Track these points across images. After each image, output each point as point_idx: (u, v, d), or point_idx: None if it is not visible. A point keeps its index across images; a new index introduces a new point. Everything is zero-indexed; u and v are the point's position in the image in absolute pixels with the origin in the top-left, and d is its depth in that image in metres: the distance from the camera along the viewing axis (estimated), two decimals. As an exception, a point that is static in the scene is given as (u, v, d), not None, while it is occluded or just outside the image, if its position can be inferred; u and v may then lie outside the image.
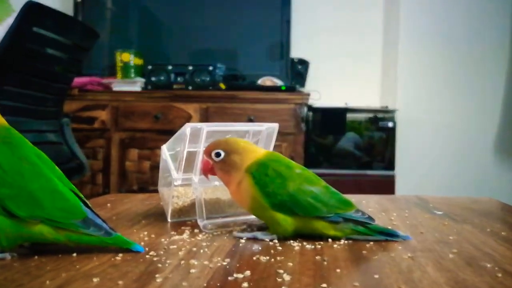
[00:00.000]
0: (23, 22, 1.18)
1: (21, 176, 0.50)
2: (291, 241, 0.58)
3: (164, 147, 0.69)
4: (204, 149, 0.63)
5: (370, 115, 2.27)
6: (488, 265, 0.48)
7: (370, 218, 0.60)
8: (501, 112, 2.42)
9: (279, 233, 0.59)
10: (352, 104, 2.31)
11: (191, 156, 0.66)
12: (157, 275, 0.44)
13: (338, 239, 0.59)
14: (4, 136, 0.54)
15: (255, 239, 0.59)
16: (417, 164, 2.41)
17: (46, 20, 1.28)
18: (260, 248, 0.56)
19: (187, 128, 0.64)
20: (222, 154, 0.61)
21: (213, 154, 0.61)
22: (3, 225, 0.49)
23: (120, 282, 0.42)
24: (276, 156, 0.63)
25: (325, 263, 0.49)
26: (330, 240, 0.59)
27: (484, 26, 2.40)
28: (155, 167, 2.05)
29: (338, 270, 0.47)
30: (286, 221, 0.58)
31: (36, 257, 0.51)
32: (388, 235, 0.59)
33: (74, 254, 0.52)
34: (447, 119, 2.41)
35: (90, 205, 0.54)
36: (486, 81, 2.41)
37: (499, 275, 0.45)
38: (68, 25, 1.43)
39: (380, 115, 2.27)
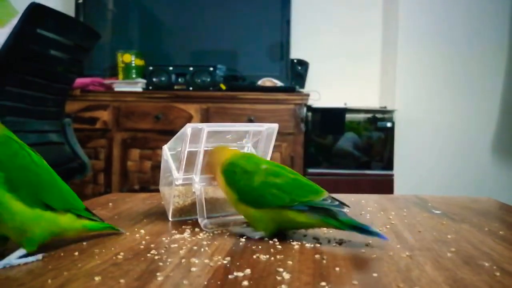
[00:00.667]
0: (26, 24, 1.19)
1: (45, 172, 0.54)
2: (291, 240, 0.59)
3: (165, 147, 0.69)
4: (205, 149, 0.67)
5: (369, 115, 2.28)
6: (486, 264, 0.49)
7: (339, 205, 0.57)
8: (500, 112, 2.42)
9: (261, 228, 0.60)
10: (351, 104, 2.32)
11: (192, 156, 0.67)
12: (158, 274, 0.45)
13: (312, 227, 0.61)
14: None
15: (244, 237, 0.61)
16: (416, 164, 2.42)
17: (49, 21, 1.28)
18: (260, 247, 0.56)
19: (188, 128, 0.64)
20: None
21: None
22: (40, 217, 0.51)
23: (122, 281, 0.43)
24: (248, 155, 0.69)
25: (324, 261, 0.50)
26: (330, 237, 0.60)
27: (483, 27, 2.41)
28: (156, 167, 2.06)
29: (337, 269, 0.47)
30: (261, 216, 0.60)
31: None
32: (359, 230, 0.55)
33: (76, 253, 0.52)
34: (446, 119, 2.42)
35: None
36: (485, 81, 2.41)
37: (497, 274, 0.46)
38: (70, 26, 1.43)
39: (379, 115, 2.28)
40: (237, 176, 0.62)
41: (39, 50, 1.33)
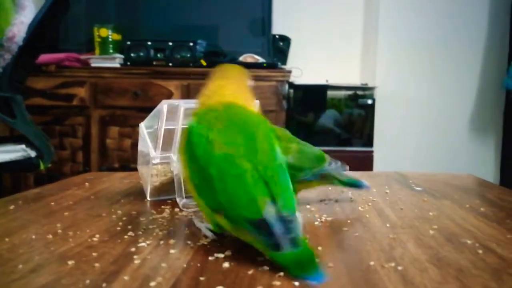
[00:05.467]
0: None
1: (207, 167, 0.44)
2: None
3: (142, 125, 0.67)
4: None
5: (350, 92, 2.28)
6: (469, 242, 0.49)
7: (342, 166, 0.66)
8: (477, 89, 2.45)
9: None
10: (333, 81, 2.32)
11: (171, 133, 0.64)
12: (135, 256, 0.43)
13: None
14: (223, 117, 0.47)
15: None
16: (395, 140, 2.45)
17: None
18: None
19: (164, 105, 0.62)
20: None
21: None
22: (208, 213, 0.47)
23: (97, 265, 0.41)
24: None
25: (307, 241, 0.49)
26: (311, 216, 0.59)
27: (463, 4, 2.41)
28: (136, 145, 2.01)
29: (319, 248, 0.46)
30: None
31: (7, 239, 0.49)
32: (355, 186, 0.68)
33: (49, 236, 0.50)
34: (425, 96, 2.44)
35: (294, 207, 0.43)
36: (463, 58, 2.43)
37: (480, 251, 0.45)
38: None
39: (359, 92, 2.29)
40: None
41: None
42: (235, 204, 0.42)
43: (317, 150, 0.64)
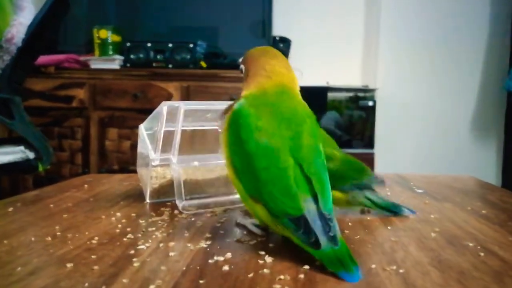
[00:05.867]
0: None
1: (249, 152, 0.45)
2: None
3: (141, 127, 0.67)
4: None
5: (351, 94, 2.28)
6: (470, 244, 0.48)
7: (381, 181, 0.62)
8: (478, 91, 2.45)
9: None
10: (334, 83, 2.31)
11: (170, 135, 0.64)
12: (134, 259, 0.43)
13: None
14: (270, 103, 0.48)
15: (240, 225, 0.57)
16: (396, 142, 2.44)
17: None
18: (240, 229, 0.54)
19: (164, 107, 0.62)
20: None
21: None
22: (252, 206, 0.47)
23: (96, 267, 0.41)
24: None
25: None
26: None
27: (464, 6, 2.41)
28: (135, 147, 2.01)
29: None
30: None
31: (5, 241, 0.49)
32: (393, 212, 0.61)
33: (48, 238, 0.50)
34: (426, 98, 2.44)
35: (331, 206, 0.44)
36: (465, 60, 2.43)
37: (481, 254, 0.45)
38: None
39: (360, 94, 2.29)
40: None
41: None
42: (276, 198, 0.43)
43: (360, 162, 0.63)
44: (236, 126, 0.47)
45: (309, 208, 0.42)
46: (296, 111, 0.49)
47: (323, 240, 0.41)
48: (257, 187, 0.44)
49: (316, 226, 0.41)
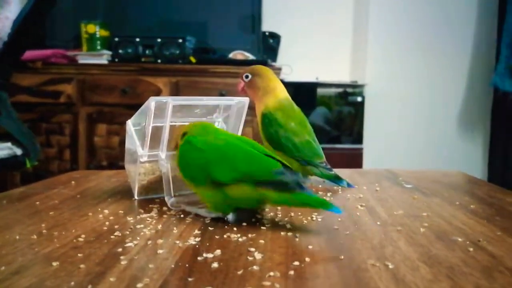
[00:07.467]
0: None
1: (218, 146, 0.56)
2: (262, 217, 0.57)
3: (129, 122, 0.66)
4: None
5: (340, 89, 2.29)
6: (459, 239, 0.48)
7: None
8: (466, 86, 2.48)
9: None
10: (323, 78, 2.31)
11: (159, 131, 0.63)
12: (122, 257, 0.42)
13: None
14: None
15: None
16: (384, 137, 2.46)
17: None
18: (231, 225, 0.54)
19: (152, 102, 0.61)
20: (250, 76, 0.76)
21: (243, 76, 0.76)
22: (213, 196, 0.55)
23: (82, 266, 0.40)
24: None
25: (297, 239, 0.48)
26: (301, 215, 0.58)
27: (452, 3, 2.43)
28: (124, 142, 1.99)
29: (310, 247, 0.46)
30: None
31: (-9, 240, 0.48)
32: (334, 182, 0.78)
33: (34, 236, 0.49)
34: (414, 94, 2.46)
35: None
36: (453, 56, 2.45)
37: (471, 249, 0.45)
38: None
39: (349, 89, 2.30)
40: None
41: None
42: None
43: (317, 148, 0.77)
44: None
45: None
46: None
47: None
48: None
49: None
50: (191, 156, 0.57)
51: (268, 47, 2.36)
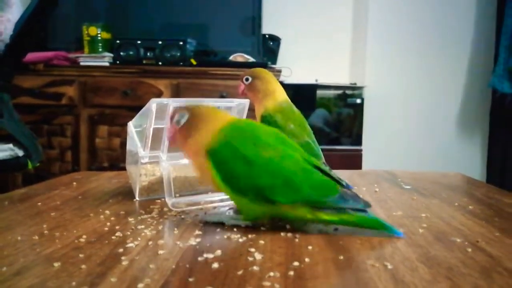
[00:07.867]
0: None
1: (273, 164, 0.51)
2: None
3: (130, 124, 0.66)
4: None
5: (339, 91, 2.29)
6: (458, 240, 0.49)
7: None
8: (464, 88, 2.48)
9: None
10: (322, 80, 2.32)
11: (159, 132, 0.64)
12: (123, 258, 0.43)
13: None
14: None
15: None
16: (384, 139, 2.46)
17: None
18: (231, 226, 0.54)
19: (153, 104, 0.61)
20: (250, 79, 0.75)
21: (244, 79, 0.75)
22: (259, 209, 0.52)
23: (83, 266, 0.40)
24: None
25: (297, 240, 0.49)
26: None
27: (450, 5, 2.43)
28: (125, 144, 1.99)
29: (309, 248, 0.46)
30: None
31: (-7, 240, 0.48)
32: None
33: (35, 237, 0.49)
34: (413, 95, 2.47)
35: (341, 180, 0.54)
36: (451, 57, 2.45)
37: (469, 250, 0.45)
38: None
39: (349, 91, 2.30)
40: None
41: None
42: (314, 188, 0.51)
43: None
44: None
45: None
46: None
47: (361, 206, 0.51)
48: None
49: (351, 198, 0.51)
50: (237, 165, 0.51)
51: (268, 50, 2.36)
